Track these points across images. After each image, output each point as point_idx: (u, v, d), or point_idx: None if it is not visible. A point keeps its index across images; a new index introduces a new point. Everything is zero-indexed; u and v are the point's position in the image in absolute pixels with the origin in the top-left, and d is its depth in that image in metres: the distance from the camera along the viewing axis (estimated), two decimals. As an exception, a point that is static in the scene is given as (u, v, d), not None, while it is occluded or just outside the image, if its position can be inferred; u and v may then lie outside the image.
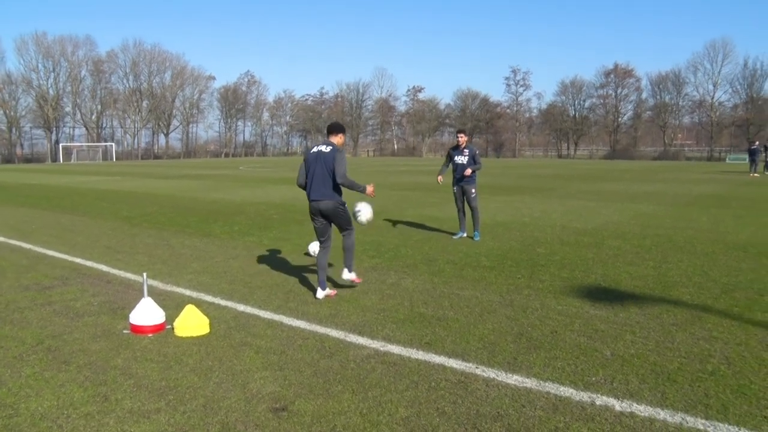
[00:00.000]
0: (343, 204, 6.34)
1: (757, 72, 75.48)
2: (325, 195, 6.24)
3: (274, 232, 11.19)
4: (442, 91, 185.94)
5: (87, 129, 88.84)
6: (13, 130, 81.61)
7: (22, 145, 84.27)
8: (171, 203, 17.10)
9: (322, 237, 6.48)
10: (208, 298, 6.39)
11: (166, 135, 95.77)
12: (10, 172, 43.69)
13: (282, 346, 4.88)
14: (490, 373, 4.28)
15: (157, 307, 5.31)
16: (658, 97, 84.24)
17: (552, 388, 4.00)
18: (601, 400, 3.82)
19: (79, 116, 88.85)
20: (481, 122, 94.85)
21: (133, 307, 5.40)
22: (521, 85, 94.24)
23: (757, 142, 36.85)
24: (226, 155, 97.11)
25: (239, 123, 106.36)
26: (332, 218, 6.35)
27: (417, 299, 6.28)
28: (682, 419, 3.54)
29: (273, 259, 8.51)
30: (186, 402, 3.82)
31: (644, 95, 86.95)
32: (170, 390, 4.00)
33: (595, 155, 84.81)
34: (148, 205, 16.46)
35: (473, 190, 10.14)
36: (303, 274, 7.56)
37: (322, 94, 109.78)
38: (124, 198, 19.06)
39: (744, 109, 76.72)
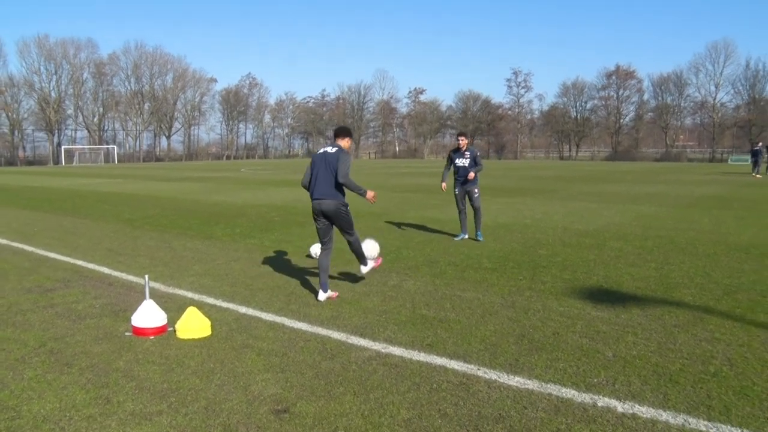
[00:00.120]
0: (346, 206, 6.35)
1: (759, 73, 75.63)
2: (327, 195, 6.26)
3: (276, 234, 11.20)
4: (444, 93, 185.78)
5: (89, 131, 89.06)
6: (16, 132, 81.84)
7: (24, 148, 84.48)
8: (173, 206, 17.11)
9: (323, 238, 6.48)
10: (210, 301, 6.40)
11: (168, 137, 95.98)
12: (13, 174, 43.77)
13: (284, 348, 4.88)
14: (492, 374, 4.27)
15: (159, 309, 5.31)
16: (660, 98, 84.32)
17: (554, 389, 4.00)
18: (603, 401, 3.81)
19: (80, 119, 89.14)
20: (483, 124, 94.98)
21: (135, 309, 5.40)
22: (523, 87, 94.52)
23: (760, 143, 36.82)
24: (228, 157, 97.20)
25: (241, 125, 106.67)
26: (334, 219, 6.35)
27: (419, 301, 6.28)
28: (685, 420, 3.54)
29: (274, 262, 8.51)
30: (188, 404, 3.82)
31: (646, 96, 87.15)
32: (172, 392, 4.01)
33: (596, 157, 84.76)
34: (150, 208, 16.48)
35: (476, 191, 10.17)
36: (305, 276, 7.56)
37: (323, 96, 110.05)
38: (125, 200, 19.09)
39: (746, 110, 76.73)
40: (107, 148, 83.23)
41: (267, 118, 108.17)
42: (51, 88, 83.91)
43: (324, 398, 3.88)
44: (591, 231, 11.18)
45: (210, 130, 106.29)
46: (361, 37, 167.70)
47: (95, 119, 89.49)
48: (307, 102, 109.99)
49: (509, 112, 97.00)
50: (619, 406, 3.73)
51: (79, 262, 8.57)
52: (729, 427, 3.46)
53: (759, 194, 20.02)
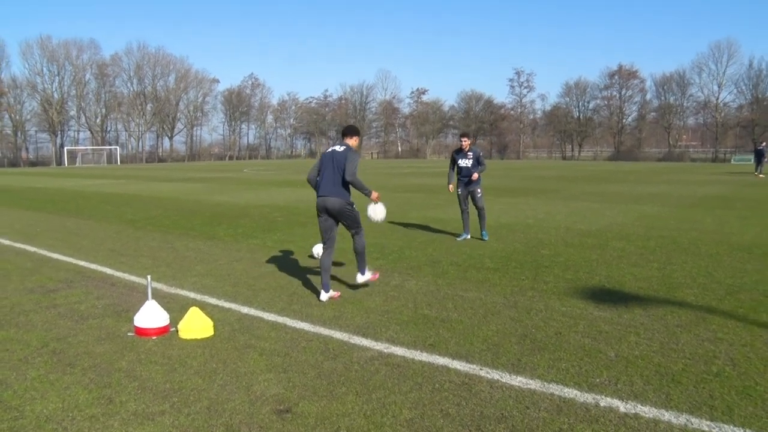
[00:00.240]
0: (351, 204, 6.36)
1: (762, 72, 75.38)
2: (333, 192, 6.28)
3: (278, 234, 11.20)
4: (446, 93, 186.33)
5: (91, 132, 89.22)
6: (19, 134, 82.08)
7: (27, 149, 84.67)
8: (175, 206, 17.14)
9: (326, 236, 6.48)
10: (212, 301, 6.40)
11: (171, 138, 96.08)
12: (16, 175, 43.87)
13: (286, 348, 4.88)
14: (494, 374, 4.27)
15: (162, 309, 5.32)
16: (663, 98, 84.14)
17: (556, 389, 4.00)
18: (605, 401, 3.81)
19: (83, 120, 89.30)
20: (485, 124, 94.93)
21: (138, 309, 5.41)
22: (525, 87, 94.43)
23: (763, 143, 36.68)
24: (230, 158, 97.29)
25: (243, 126, 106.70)
26: (339, 217, 6.36)
27: (421, 301, 6.28)
28: (687, 420, 3.53)
29: (277, 262, 8.52)
30: (190, 404, 3.82)
31: (648, 96, 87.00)
32: (174, 392, 4.01)
33: (599, 157, 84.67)
34: (153, 208, 16.50)
35: (479, 191, 10.18)
36: (307, 276, 7.57)
37: (325, 97, 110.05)
38: (128, 201, 19.12)
39: (749, 110, 76.55)
40: (110, 149, 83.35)
41: (269, 118, 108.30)
42: (54, 90, 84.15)
43: (326, 398, 3.89)
44: (593, 231, 11.17)
45: (212, 130, 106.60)
46: (363, 37, 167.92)
47: (98, 120, 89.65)
48: (310, 102, 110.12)
49: (512, 112, 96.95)
50: (622, 406, 3.73)
51: (82, 263, 8.58)
52: (732, 427, 3.46)
53: (762, 194, 19.97)
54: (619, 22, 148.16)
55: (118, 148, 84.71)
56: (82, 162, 78.00)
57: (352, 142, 6.54)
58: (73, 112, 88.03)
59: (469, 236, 10.31)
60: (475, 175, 10.03)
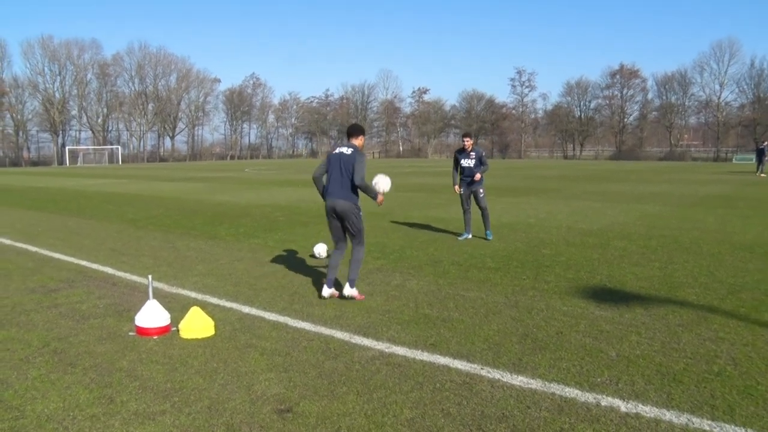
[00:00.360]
0: (359, 209, 6.36)
1: (764, 72, 75.27)
2: (341, 195, 6.28)
3: (280, 234, 11.21)
4: (448, 93, 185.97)
5: (93, 132, 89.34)
6: (20, 133, 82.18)
7: (28, 149, 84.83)
8: (176, 206, 17.15)
9: (336, 236, 6.51)
10: (213, 300, 6.41)
11: (172, 138, 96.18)
12: (17, 175, 43.91)
13: (287, 347, 4.88)
14: (495, 374, 4.27)
15: (163, 309, 5.32)
16: (664, 97, 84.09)
17: (557, 389, 3.99)
18: (606, 401, 3.80)
19: (85, 119, 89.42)
20: (487, 123, 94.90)
21: (139, 309, 5.41)
22: (526, 86, 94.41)
23: (765, 143, 36.64)
24: (232, 158, 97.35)
25: (244, 125, 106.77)
26: (345, 219, 6.34)
27: (422, 300, 6.28)
28: (688, 420, 3.53)
29: (278, 261, 8.52)
30: (191, 404, 3.82)
31: (650, 96, 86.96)
32: (175, 392, 4.01)
33: (600, 156, 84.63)
34: (154, 208, 16.51)
35: (481, 191, 10.18)
36: (308, 276, 7.57)
37: (327, 96, 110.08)
38: (130, 201, 19.13)
39: (751, 109, 76.44)
40: (111, 148, 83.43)
41: (271, 118, 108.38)
42: (55, 89, 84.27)
43: (327, 398, 3.89)
44: (595, 230, 11.16)
45: (214, 130, 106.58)
46: (364, 37, 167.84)
47: (99, 120, 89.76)
48: (311, 102, 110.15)
49: (513, 111, 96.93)
50: (623, 406, 3.72)
51: (83, 263, 8.59)
52: (733, 426, 3.45)
53: (764, 193, 19.95)
54: (620, 21, 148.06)
55: (119, 147, 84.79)
56: (84, 162, 78.05)
57: (358, 142, 6.53)
58: (74, 112, 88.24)
59: (470, 236, 10.31)
60: (478, 176, 10.03)
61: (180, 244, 10.23)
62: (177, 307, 5.94)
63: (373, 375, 4.27)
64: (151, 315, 5.21)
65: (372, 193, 6.39)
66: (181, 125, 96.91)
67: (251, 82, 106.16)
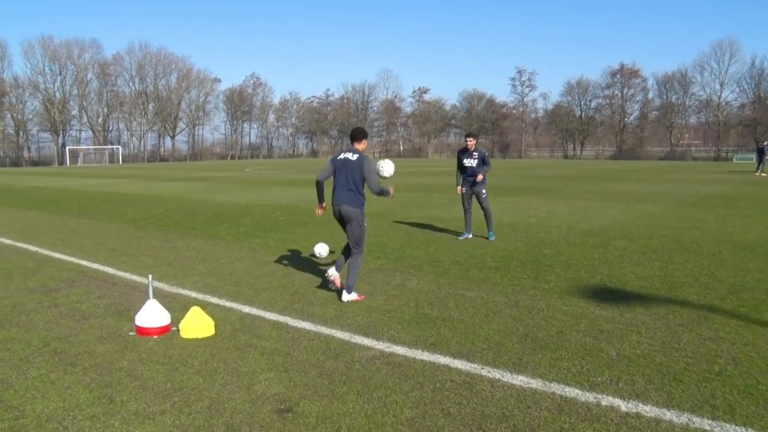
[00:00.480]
0: (363, 215, 6.43)
1: (765, 71, 75.19)
2: (347, 200, 6.34)
3: (280, 234, 11.20)
4: (448, 92, 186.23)
5: (93, 132, 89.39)
6: (21, 133, 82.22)
7: (29, 149, 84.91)
8: (177, 205, 17.15)
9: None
10: (214, 300, 6.40)
11: (172, 137, 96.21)
12: (18, 175, 43.93)
13: (287, 347, 4.88)
14: (496, 373, 4.27)
15: (163, 309, 5.32)
16: (665, 97, 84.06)
17: (557, 388, 3.99)
18: (606, 400, 3.80)
19: (85, 119, 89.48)
20: (487, 123, 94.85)
21: (139, 309, 5.41)
22: (527, 86, 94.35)
23: (765, 142, 36.63)
24: (232, 157, 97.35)
25: (245, 125, 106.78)
26: (348, 222, 6.39)
27: (422, 300, 6.27)
28: (689, 420, 3.52)
29: (278, 261, 8.52)
30: (191, 403, 3.82)
31: (650, 95, 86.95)
32: (175, 391, 4.01)
33: (601, 156, 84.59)
34: (154, 208, 16.51)
35: (484, 191, 10.18)
36: (308, 275, 7.56)
37: (327, 96, 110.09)
38: (130, 201, 19.14)
39: (751, 109, 76.41)
40: (112, 148, 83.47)
41: (271, 117, 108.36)
42: (56, 89, 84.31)
43: (327, 397, 3.88)
44: (595, 230, 11.15)
45: (214, 130, 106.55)
46: (364, 37, 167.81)
47: (100, 120, 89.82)
48: (312, 102, 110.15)
49: (513, 111, 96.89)
50: (623, 405, 3.72)
51: (84, 262, 8.59)
52: (733, 426, 3.45)
53: (764, 193, 19.94)
54: (620, 21, 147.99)
55: (120, 147, 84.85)
56: (84, 161, 78.10)
57: (362, 146, 6.55)
58: (75, 112, 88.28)
59: (470, 236, 10.30)
60: (480, 177, 10.03)
61: (180, 243, 10.23)
62: (177, 307, 5.94)
63: (374, 375, 4.27)
64: (152, 315, 5.21)
65: (386, 194, 6.52)
66: (181, 125, 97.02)
67: (252, 81, 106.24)
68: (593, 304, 6.04)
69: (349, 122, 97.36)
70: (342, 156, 6.50)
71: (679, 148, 79.97)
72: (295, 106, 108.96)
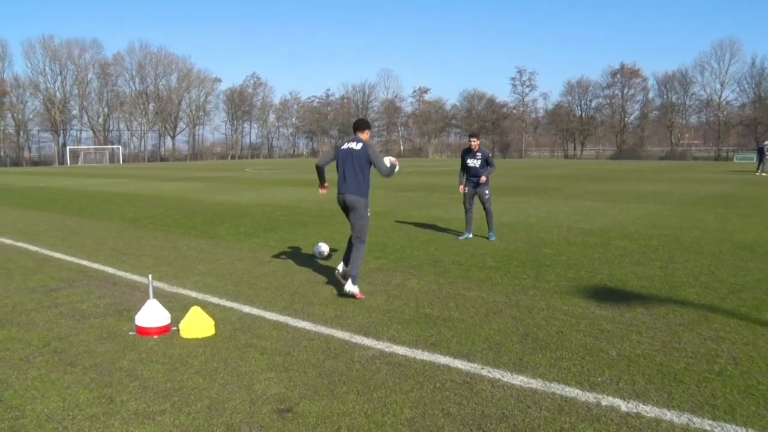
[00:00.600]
0: (367, 205, 6.52)
1: (765, 71, 75.24)
2: (353, 190, 6.44)
3: (280, 233, 11.20)
4: (448, 92, 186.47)
5: (94, 132, 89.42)
6: (21, 133, 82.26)
7: (29, 149, 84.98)
8: (177, 205, 17.14)
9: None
10: (214, 300, 6.40)
11: (173, 137, 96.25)
12: (18, 175, 43.94)
13: (287, 347, 4.87)
14: (496, 373, 4.26)
15: (163, 308, 5.32)
16: (665, 96, 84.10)
17: (557, 388, 3.98)
18: (606, 400, 3.79)
19: (86, 119, 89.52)
20: (488, 123, 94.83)
21: (139, 308, 5.41)
22: (527, 86, 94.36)
23: (766, 142, 36.62)
24: (233, 157, 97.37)
25: (245, 125, 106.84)
26: (351, 212, 6.48)
27: (422, 300, 6.27)
28: (689, 420, 3.52)
29: (278, 261, 8.52)
30: (191, 403, 3.82)
31: (651, 95, 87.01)
32: (175, 391, 4.01)
33: (601, 155, 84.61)
34: (154, 208, 16.51)
35: (487, 192, 10.19)
36: (308, 275, 7.56)
37: (327, 96, 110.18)
38: (130, 200, 19.14)
39: (752, 108, 76.41)
40: (112, 148, 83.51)
41: (271, 117, 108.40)
42: (56, 89, 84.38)
43: (327, 397, 3.88)
44: (595, 230, 11.15)
45: (214, 129, 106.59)
46: (365, 37, 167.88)
47: (100, 119, 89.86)
48: (312, 101, 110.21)
49: (514, 110, 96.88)
50: (623, 405, 3.71)
51: (84, 262, 8.59)
52: (734, 426, 3.44)
53: (764, 192, 19.93)
54: (621, 20, 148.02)
55: (120, 147, 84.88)
56: (85, 161, 78.13)
57: (365, 136, 6.67)
58: (75, 112, 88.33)
59: (471, 235, 10.30)
60: (483, 178, 10.04)
61: (180, 243, 10.22)
62: (177, 307, 5.93)
63: (374, 374, 4.26)
64: (152, 314, 5.21)
65: (393, 170, 6.71)
66: (181, 125, 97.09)
67: (252, 81, 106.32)
68: (593, 303, 6.03)
69: (349, 122, 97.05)
70: (346, 146, 6.56)
71: (680, 148, 79.99)
72: (295, 106, 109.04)
